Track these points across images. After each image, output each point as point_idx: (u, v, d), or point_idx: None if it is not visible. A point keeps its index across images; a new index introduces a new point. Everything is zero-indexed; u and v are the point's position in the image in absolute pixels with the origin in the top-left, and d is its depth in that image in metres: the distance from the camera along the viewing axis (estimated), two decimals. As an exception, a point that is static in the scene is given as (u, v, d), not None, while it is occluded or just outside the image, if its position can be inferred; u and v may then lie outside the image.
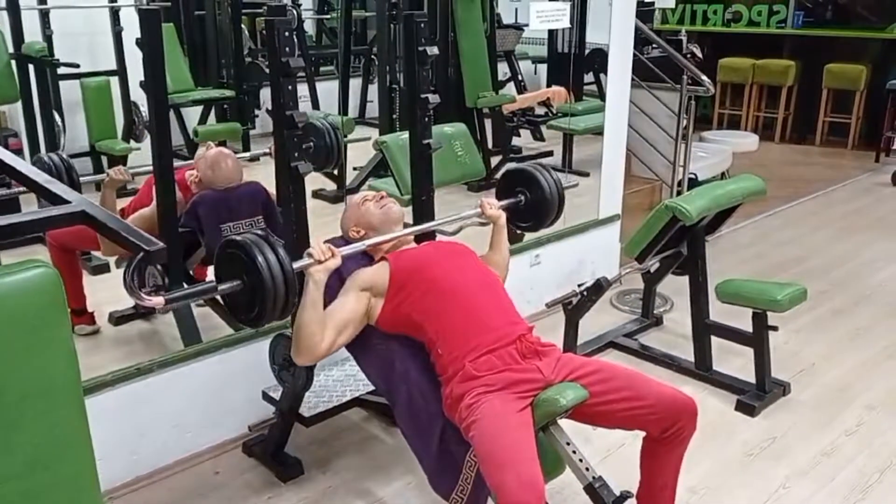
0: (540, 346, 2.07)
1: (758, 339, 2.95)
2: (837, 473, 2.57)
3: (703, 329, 3.12)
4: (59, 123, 3.54)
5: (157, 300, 1.59)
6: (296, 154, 2.09)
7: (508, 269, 2.47)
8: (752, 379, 3.00)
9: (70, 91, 3.58)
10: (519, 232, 3.59)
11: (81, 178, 2.62)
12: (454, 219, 2.51)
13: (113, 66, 3.66)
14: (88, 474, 1.36)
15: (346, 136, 3.68)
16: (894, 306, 3.89)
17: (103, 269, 3.10)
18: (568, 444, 2.00)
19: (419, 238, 2.47)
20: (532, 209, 2.55)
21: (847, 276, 4.30)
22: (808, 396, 3.04)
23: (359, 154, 3.99)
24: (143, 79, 2.49)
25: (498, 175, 2.71)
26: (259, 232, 1.90)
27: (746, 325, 2.98)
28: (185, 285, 2.67)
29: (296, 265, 1.91)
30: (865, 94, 7.30)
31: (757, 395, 2.97)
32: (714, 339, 3.14)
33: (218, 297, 2.50)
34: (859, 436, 2.78)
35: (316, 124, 3.08)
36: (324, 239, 2.13)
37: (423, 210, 2.55)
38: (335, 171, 3.94)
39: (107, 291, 2.97)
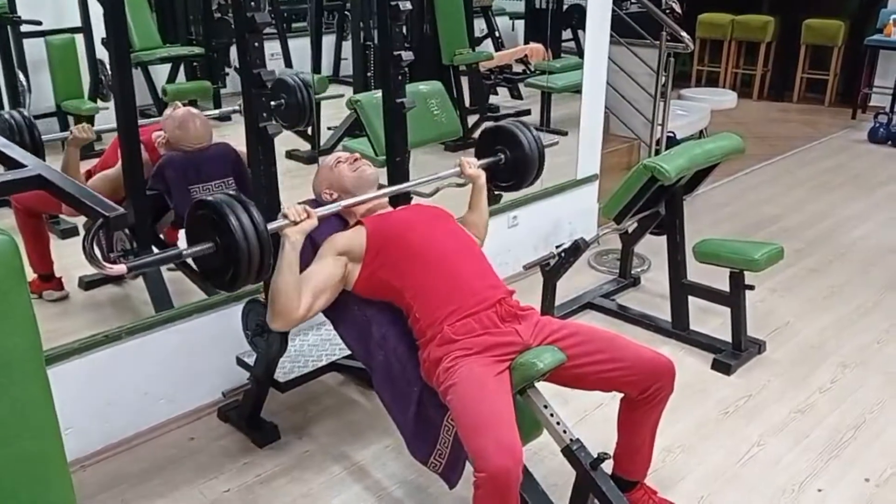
0: (519, 310, 2.04)
1: (734, 298, 2.95)
2: (811, 430, 2.60)
3: (681, 289, 3.12)
4: (24, 83, 3.42)
5: (120, 268, 1.53)
6: (264, 114, 2.02)
7: (488, 230, 2.44)
8: (728, 338, 3.02)
9: (34, 49, 3.45)
10: (497, 193, 3.56)
11: (44, 138, 2.53)
12: (431, 179, 2.46)
13: (78, 22, 3.53)
14: (53, 447, 1.32)
15: (318, 94, 3.59)
16: (868, 264, 3.92)
17: (72, 232, 3.02)
18: (546, 407, 1.98)
19: (395, 201, 2.42)
20: (512, 168, 2.50)
21: (823, 235, 4.32)
22: (783, 354, 3.07)
23: (333, 114, 3.90)
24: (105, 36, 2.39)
25: (476, 134, 2.66)
26: (231, 192, 1.83)
27: (723, 285, 2.98)
28: (155, 249, 2.61)
29: (270, 226, 1.85)
30: (843, 51, 7.29)
31: (733, 353, 2.98)
32: (691, 299, 3.14)
33: (190, 262, 2.45)
34: (833, 393, 2.81)
35: (287, 81, 2.99)
36: (297, 201, 2.07)
37: (398, 171, 2.49)
38: (308, 131, 3.86)
39: (76, 256, 2.87)
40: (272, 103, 2.03)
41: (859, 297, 3.56)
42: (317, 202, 2.24)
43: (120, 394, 2.46)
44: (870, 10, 7.10)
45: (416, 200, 2.62)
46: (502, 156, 2.49)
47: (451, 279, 2.03)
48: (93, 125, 3.13)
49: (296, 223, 1.94)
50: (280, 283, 1.95)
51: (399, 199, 2.49)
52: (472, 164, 2.39)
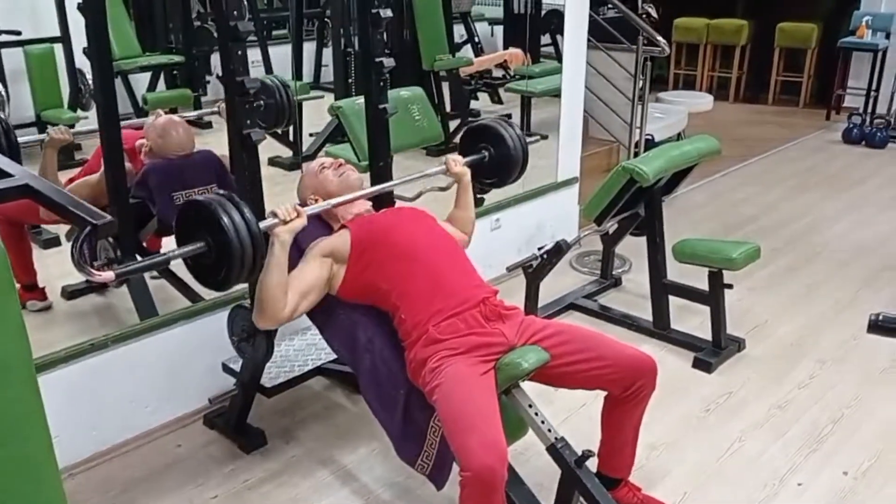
0: (504, 310, 2.07)
1: (714, 297, 3.00)
2: (791, 426, 2.64)
3: (661, 289, 3.17)
4: (3, 93, 3.41)
5: (108, 275, 1.54)
6: (248, 122, 2.03)
7: (475, 228, 2.47)
8: (708, 336, 3.06)
9: (13, 59, 3.44)
10: (479, 196, 3.59)
11: (21, 140, 2.47)
12: (418, 177, 2.47)
13: (56, 32, 3.53)
14: (44, 453, 1.32)
15: (299, 95, 3.62)
16: (843, 262, 3.99)
17: (54, 242, 3.02)
18: (530, 406, 2.01)
19: (379, 203, 2.45)
20: (496, 165, 2.54)
21: (799, 234, 4.39)
22: (762, 352, 3.12)
23: (315, 120, 3.91)
24: (86, 45, 2.40)
25: (459, 137, 2.70)
26: (222, 192, 1.84)
27: (703, 284, 3.02)
28: (139, 257, 2.62)
29: (261, 225, 1.87)
30: (817, 53, 7.41)
31: (713, 351, 3.03)
32: (671, 299, 3.18)
33: (172, 267, 2.45)
34: (811, 389, 2.86)
35: (266, 82, 2.99)
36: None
37: (380, 176, 2.52)
38: (290, 137, 3.88)
39: (58, 266, 2.90)
40: (255, 107, 2.04)
41: (836, 294, 3.63)
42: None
43: (107, 402, 2.46)
44: (843, 13, 7.20)
45: (399, 205, 2.64)
46: (486, 153, 2.52)
47: (436, 279, 2.06)
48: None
49: (286, 222, 1.95)
50: (268, 282, 1.96)
51: (383, 202, 2.51)
52: (458, 161, 2.43)
